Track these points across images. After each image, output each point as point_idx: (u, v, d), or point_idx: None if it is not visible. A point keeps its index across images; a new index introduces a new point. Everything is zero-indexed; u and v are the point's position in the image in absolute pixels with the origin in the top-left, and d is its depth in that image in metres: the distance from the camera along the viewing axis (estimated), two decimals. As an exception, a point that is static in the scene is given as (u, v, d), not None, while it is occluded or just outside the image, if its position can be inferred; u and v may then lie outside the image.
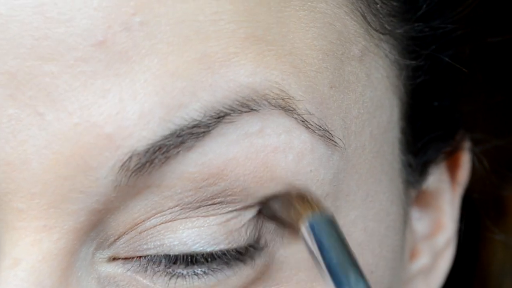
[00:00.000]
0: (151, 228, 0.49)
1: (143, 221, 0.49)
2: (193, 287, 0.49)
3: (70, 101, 0.46)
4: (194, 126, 0.47)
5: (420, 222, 0.63)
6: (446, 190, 0.64)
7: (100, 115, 0.46)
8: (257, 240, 0.50)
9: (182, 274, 0.49)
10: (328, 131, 0.51)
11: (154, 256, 0.49)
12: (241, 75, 0.48)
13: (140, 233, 0.49)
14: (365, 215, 0.54)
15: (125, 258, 0.49)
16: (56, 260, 0.47)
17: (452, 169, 0.65)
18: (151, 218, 0.49)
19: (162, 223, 0.49)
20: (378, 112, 0.55)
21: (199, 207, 0.49)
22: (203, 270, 0.49)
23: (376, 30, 0.55)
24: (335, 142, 0.52)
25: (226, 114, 0.48)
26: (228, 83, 0.48)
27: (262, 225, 0.50)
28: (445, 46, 0.60)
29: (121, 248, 0.49)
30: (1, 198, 0.47)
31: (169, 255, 0.49)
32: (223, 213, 0.49)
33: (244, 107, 0.48)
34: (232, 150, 0.48)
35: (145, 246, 0.49)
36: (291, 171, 0.50)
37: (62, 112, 0.46)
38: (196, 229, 0.49)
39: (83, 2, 0.46)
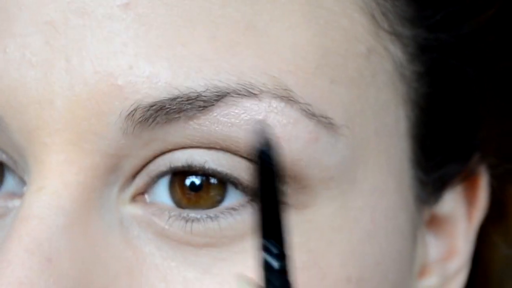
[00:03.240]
0: (165, 152, 0.54)
1: (156, 156, 0.54)
2: (206, 228, 0.53)
3: (94, 52, 0.52)
4: (195, 98, 0.52)
5: (433, 246, 0.64)
6: (462, 216, 0.65)
7: (116, 67, 0.52)
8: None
9: (197, 218, 0.53)
10: (331, 120, 0.54)
11: (164, 172, 0.54)
12: (243, 64, 0.52)
13: (153, 170, 0.54)
14: (373, 207, 0.57)
15: (143, 193, 0.54)
16: (77, 191, 0.52)
17: (470, 195, 0.66)
18: (162, 156, 0.54)
19: (174, 149, 0.53)
20: (382, 113, 0.58)
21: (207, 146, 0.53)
22: (215, 214, 0.53)
23: (385, 30, 0.57)
24: (339, 130, 0.55)
25: (228, 94, 0.52)
26: (232, 68, 0.52)
27: None
28: (453, 61, 0.61)
29: (140, 183, 0.54)
30: (31, 133, 0.53)
31: (177, 166, 0.53)
32: (229, 153, 0.53)
33: (245, 91, 0.52)
34: (235, 131, 0.52)
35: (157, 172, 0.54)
36: (294, 158, 0.53)
37: (86, 60, 0.52)
38: (203, 151, 0.53)
39: None
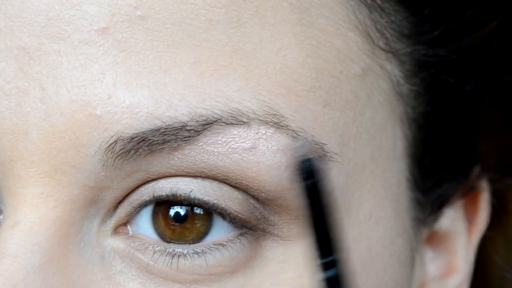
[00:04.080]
0: (146, 193, 0.51)
1: (139, 185, 0.51)
2: (193, 265, 0.51)
3: (70, 79, 0.50)
4: (180, 128, 0.49)
5: (432, 262, 0.62)
6: (462, 232, 0.63)
7: (94, 96, 0.50)
8: (250, 224, 0.51)
9: (183, 253, 0.51)
10: (323, 146, 0.52)
11: (146, 201, 0.51)
12: (230, 89, 0.50)
13: (135, 200, 0.52)
14: (369, 236, 0.54)
15: (125, 224, 0.52)
16: (54, 226, 0.50)
17: (470, 211, 0.64)
18: (145, 185, 0.51)
19: (157, 178, 0.51)
20: (379, 135, 0.55)
21: (190, 176, 0.51)
22: (202, 249, 0.51)
23: (380, 48, 0.55)
24: (331, 156, 0.52)
25: (214, 122, 0.50)
26: (217, 93, 0.50)
27: (257, 210, 0.51)
28: (452, 77, 0.59)
29: (122, 215, 0.52)
30: (6, 165, 0.50)
31: (160, 195, 0.51)
32: (217, 181, 0.51)
33: (232, 118, 0.50)
34: (222, 160, 0.50)
35: (139, 201, 0.51)
36: (285, 187, 0.51)
37: (62, 88, 0.50)
38: (189, 180, 0.51)
39: None
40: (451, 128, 0.61)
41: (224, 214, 0.51)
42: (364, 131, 0.54)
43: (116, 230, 0.52)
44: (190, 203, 0.51)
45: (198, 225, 0.51)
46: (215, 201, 0.51)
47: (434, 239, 0.62)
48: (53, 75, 0.50)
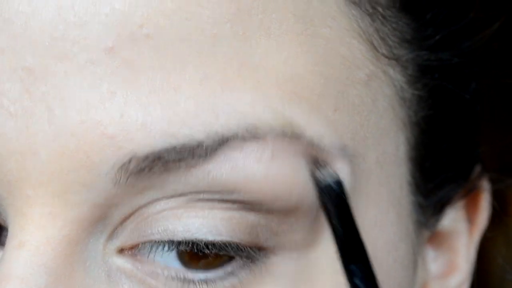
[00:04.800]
0: (155, 213, 0.51)
1: (148, 204, 0.51)
2: None
3: (79, 100, 0.49)
4: (196, 147, 0.49)
5: (434, 261, 0.63)
6: (463, 231, 0.64)
7: (105, 115, 0.49)
8: (259, 245, 0.51)
9: (193, 280, 0.51)
10: (343, 148, 0.52)
11: (158, 241, 0.51)
12: (242, 102, 0.49)
13: (145, 218, 0.51)
14: (373, 243, 0.54)
15: (131, 248, 0.51)
16: (61, 246, 0.49)
17: (471, 211, 0.65)
18: (155, 204, 0.51)
19: (166, 209, 0.50)
20: (383, 140, 0.55)
21: (204, 200, 0.50)
22: (215, 274, 0.51)
23: (383, 55, 0.55)
24: (344, 163, 0.52)
25: (230, 139, 0.49)
26: (230, 109, 0.49)
27: (266, 229, 0.51)
28: (454, 81, 0.59)
29: (128, 235, 0.51)
30: (13, 184, 0.50)
31: (173, 241, 0.50)
32: (226, 209, 0.50)
33: (248, 133, 0.49)
34: (241, 174, 0.49)
35: (149, 231, 0.51)
36: (302, 195, 0.50)
37: (70, 109, 0.49)
38: (199, 218, 0.50)
39: (97, 9, 0.49)
40: (453, 130, 0.62)
41: (237, 249, 0.51)
42: (370, 136, 0.54)
43: (121, 251, 0.52)
44: (207, 246, 0.51)
45: (210, 258, 0.51)
46: (227, 239, 0.50)
47: (435, 239, 0.63)
48: (60, 96, 0.49)
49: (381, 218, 0.55)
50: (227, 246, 0.50)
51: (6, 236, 0.52)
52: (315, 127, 0.51)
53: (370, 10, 0.54)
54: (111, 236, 0.51)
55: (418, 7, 0.56)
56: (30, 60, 0.49)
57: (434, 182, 0.60)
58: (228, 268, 0.51)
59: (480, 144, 0.64)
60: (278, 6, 0.51)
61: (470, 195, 0.64)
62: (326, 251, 0.52)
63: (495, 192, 0.66)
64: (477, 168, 0.65)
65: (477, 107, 0.62)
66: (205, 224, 0.50)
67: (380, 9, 0.55)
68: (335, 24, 0.53)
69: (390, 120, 0.56)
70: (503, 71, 0.64)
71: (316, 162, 0.51)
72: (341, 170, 0.52)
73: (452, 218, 0.63)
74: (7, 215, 0.51)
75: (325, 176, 0.47)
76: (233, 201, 0.50)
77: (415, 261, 0.60)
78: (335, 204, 0.42)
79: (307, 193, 0.51)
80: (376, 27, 0.54)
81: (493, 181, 0.65)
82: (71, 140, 0.49)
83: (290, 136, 0.50)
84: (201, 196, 0.50)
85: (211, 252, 0.50)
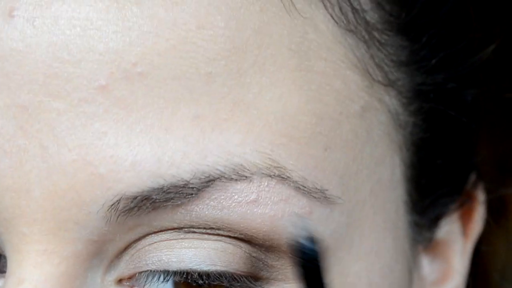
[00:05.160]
0: (148, 245, 0.51)
1: (141, 237, 0.51)
2: None
3: (71, 138, 0.49)
4: (183, 186, 0.49)
5: (429, 269, 0.63)
6: (457, 240, 0.64)
7: (96, 155, 0.49)
8: (254, 275, 0.52)
9: None
10: (324, 192, 0.52)
11: (154, 271, 0.51)
12: (231, 143, 0.50)
13: (139, 250, 0.51)
14: (369, 269, 0.55)
15: (129, 278, 0.52)
16: (59, 283, 0.50)
17: (465, 220, 0.65)
18: (147, 237, 0.51)
19: (158, 241, 0.51)
20: (378, 169, 0.55)
21: (194, 232, 0.51)
22: None
23: (379, 82, 0.54)
24: (333, 200, 0.52)
25: (216, 179, 0.49)
26: (219, 149, 0.49)
27: (260, 260, 0.51)
28: (448, 101, 0.59)
29: (124, 266, 0.52)
30: (9, 222, 0.50)
31: (168, 271, 0.51)
32: (219, 240, 0.51)
33: (235, 174, 0.50)
34: (226, 214, 0.50)
35: (144, 262, 0.51)
36: (290, 233, 0.50)
37: (63, 148, 0.49)
38: (192, 249, 0.51)
39: (91, 46, 0.49)
40: (448, 146, 0.62)
41: (233, 278, 0.51)
42: (364, 167, 0.54)
43: (120, 282, 0.52)
44: (201, 277, 0.51)
45: (215, 284, 0.52)
46: (223, 269, 0.51)
47: (430, 249, 0.63)
48: (54, 134, 0.49)
49: (378, 245, 0.56)
50: (221, 276, 0.51)
51: (3, 264, 0.53)
52: (302, 170, 0.51)
53: (366, 37, 0.54)
54: (108, 268, 0.52)
55: (414, 29, 0.56)
56: (24, 97, 0.49)
57: (430, 198, 0.61)
58: None
59: (479, 149, 0.65)
60: (273, 40, 0.51)
61: (465, 207, 0.64)
62: None
63: (496, 194, 0.67)
64: (472, 177, 0.65)
65: (473, 121, 0.62)
66: (198, 254, 0.51)
67: (376, 34, 0.54)
68: (330, 56, 0.52)
69: (386, 147, 0.56)
70: (501, 85, 0.63)
71: (295, 214, 0.51)
72: (321, 214, 0.52)
73: (447, 230, 0.63)
74: (5, 250, 0.52)
75: (299, 232, 0.48)
76: (219, 235, 0.51)
77: (410, 278, 0.60)
78: (305, 264, 0.43)
79: (287, 236, 0.50)
80: (372, 53, 0.54)
81: (493, 186, 0.65)
82: (63, 179, 0.49)
83: (277, 178, 0.50)
84: (188, 229, 0.51)
85: (204, 282, 0.51)
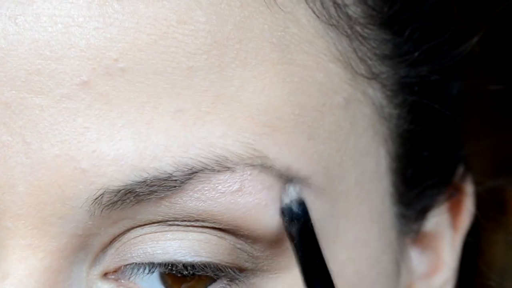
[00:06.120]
0: (133, 238, 0.52)
1: (126, 231, 0.52)
2: None
3: (53, 134, 0.50)
4: (166, 179, 0.50)
5: (418, 262, 0.64)
6: (446, 232, 0.64)
7: (78, 150, 0.50)
8: (239, 266, 0.52)
9: None
10: (307, 181, 0.52)
11: (139, 263, 0.52)
12: (213, 135, 0.50)
13: (124, 243, 0.52)
14: (356, 258, 0.56)
15: (115, 271, 0.52)
16: (44, 277, 0.51)
17: (454, 212, 0.65)
18: (132, 231, 0.52)
19: (143, 234, 0.52)
20: (363, 160, 0.56)
21: (179, 225, 0.52)
22: None
23: (362, 75, 0.55)
24: (316, 189, 0.53)
25: (199, 171, 0.50)
26: (201, 141, 0.50)
27: (245, 252, 0.52)
28: (433, 94, 0.59)
29: (110, 260, 0.52)
30: None
31: (153, 263, 0.52)
32: (203, 232, 0.52)
33: (218, 165, 0.50)
34: (210, 205, 0.51)
35: (129, 255, 0.52)
36: (274, 222, 0.52)
37: (46, 143, 0.50)
38: (177, 241, 0.52)
39: (73, 43, 0.50)
40: (435, 137, 0.62)
41: (219, 269, 0.52)
42: (348, 158, 0.55)
43: (105, 276, 0.53)
44: (186, 268, 0.52)
45: (200, 274, 0.52)
46: (207, 259, 0.51)
47: (419, 240, 0.64)
48: (37, 130, 0.50)
49: (364, 235, 0.56)
50: (206, 267, 0.51)
51: None
52: (285, 159, 0.51)
53: (349, 31, 0.54)
54: (94, 262, 0.52)
55: (397, 23, 0.56)
56: (7, 94, 0.50)
57: (417, 189, 0.61)
58: None
59: (477, 144, 0.66)
60: (255, 35, 0.51)
61: (453, 198, 0.65)
62: None
63: (494, 193, 0.67)
64: (460, 170, 0.65)
65: (459, 114, 0.62)
66: (182, 246, 0.51)
67: (358, 29, 0.55)
68: (312, 49, 0.53)
69: (370, 138, 0.56)
70: (485, 76, 0.64)
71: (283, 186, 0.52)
72: (307, 200, 0.52)
73: (436, 222, 0.64)
74: None
75: (287, 197, 0.48)
76: (204, 227, 0.51)
77: (397, 269, 0.60)
78: (297, 227, 0.44)
79: (272, 225, 0.51)
80: (354, 47, 0.54)
81: (488, 180, 0.65)
82: (47, 174, 0.50)
83: (260, 168, 0.51)
84: (173, 222, 0.51)
85: (189, 273, 0.51)
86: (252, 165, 0.51)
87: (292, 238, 0.48)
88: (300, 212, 0.48)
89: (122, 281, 0.53)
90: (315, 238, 0.49)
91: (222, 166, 0.50)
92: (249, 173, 0.51)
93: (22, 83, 0.50)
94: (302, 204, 0.50)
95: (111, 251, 0.52)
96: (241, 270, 0.52)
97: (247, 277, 0.52)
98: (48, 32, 0.50)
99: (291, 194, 0.51)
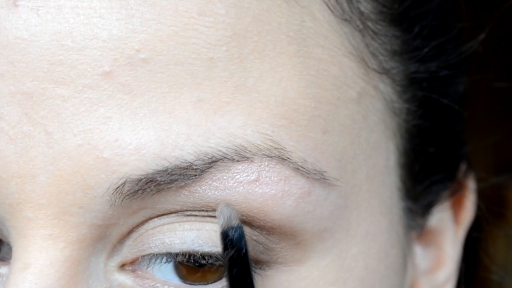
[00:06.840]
0: (151, 228, 0.52)
1: (145, 221, 0.52)
2: None
3: (76, 124, 0.50)
4: (186, 168, 0.50)
5: (422, 258, 0.65)
6: (449, 228, 0.65)
7: (101, 140, 0.50)
8: (254, 258, 0.53)
9: None
10: (323, 174, 0.53)
11: (157, 254, 0.52)
12: (233, 125, 0.51)
13: (142, 234, 0.52)
14: (366, 253, 0.56)
15: (132, 262, 0.53)
16: (64, 267, 0.51)
17: (456, 208, 0.66)
18: (150, 222, 0.52)
19: (161, 225, 0.52)
20: (374, 154, 0.57)
21: (196, 215, 0.52)
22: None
23: (374, 70, 0.56)
24: (331, 182, 0.54)
25: (219, 160, 0.51)
26: (221, 131, 0.51)
27: (260, 244, 0.53)
28: (441, 90, 0.60)
29: (127, 251, 0.53)
30: (14, 207, 0.51)
31: (171, 253, 0.52)
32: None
33: (237, 155, 0.51)
34: (229, 194, 0.51)
35: (146, 245, 0.52)
36: (289, 214, 0.52)
37: (68, 133, 0.50)
38: (195, 231, 0.52)
39: (95, 34, 0.50)
40: (441, 133, 0.63)
41: None
42: (361, 152, 0.56)
43: (122, 267, 0.53)
44: (201, 256, 0.52)
45: (213, 268, 0.53)
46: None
47: (423, 237, 0.64)
48: (58, 120, 0.50)
49: (373, 229, 0.57)
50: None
51: (5, 252, 0.54)
52: (301, 151, 0.52)
53: (361, 26, 0.55)
54: (111, 253, 0.53)
55: (407, 20, 0.58)
56: (29, 84, 0.50)
57: (423, 184, 0.62)
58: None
59: (478, 143, 0.66)
60: (273, 27, 0.52)
61: (456, 195, 0.66)
62: (317, 266, 0.54)
63: (495, 192, 0.68)
64: (463, 167, 0.66)
65: (465, 110, 0.64)
66: (200, 236, 0.52)
67: (370, 24, 0.56)
68: (327, 43, 0.54)
69: (381, 133, 0.57)
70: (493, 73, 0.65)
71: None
72: (319, 195, 0.53)
73: (439, 218, 0.65)
74: (10, 236, 0.52)
75: (222, 218, 0.50)
76: None
77: (405, 263, 0.61)
78: (230, 254, 0.45)
79: (287, 217, 0.52)
80: (366, 42, 0.55)
81: (490, 177, 0.67)
82: (69, 164, 0.50)
83: (277, 159, 0.52)
84: (190, 212, 0.52)
85: (207, 262, 0.52)
86: (270, 156, 0.51)
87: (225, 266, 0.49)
88: (236, 237, 0.48)
89: (139, 272, 0.53)
90: (248, 270, 0.49)
91: (240, 156, 0.51)
92: (266, 163, 0.51)
93: (44, 73, 0.50)
94: (239, 229, 0.50)
95: (129, 242, 0.53)
96: (256, 262, 0.53)
97: (262, 269, 0.53)
98: (70, 23, 0.50)
99: (224, 213, 0.51)
